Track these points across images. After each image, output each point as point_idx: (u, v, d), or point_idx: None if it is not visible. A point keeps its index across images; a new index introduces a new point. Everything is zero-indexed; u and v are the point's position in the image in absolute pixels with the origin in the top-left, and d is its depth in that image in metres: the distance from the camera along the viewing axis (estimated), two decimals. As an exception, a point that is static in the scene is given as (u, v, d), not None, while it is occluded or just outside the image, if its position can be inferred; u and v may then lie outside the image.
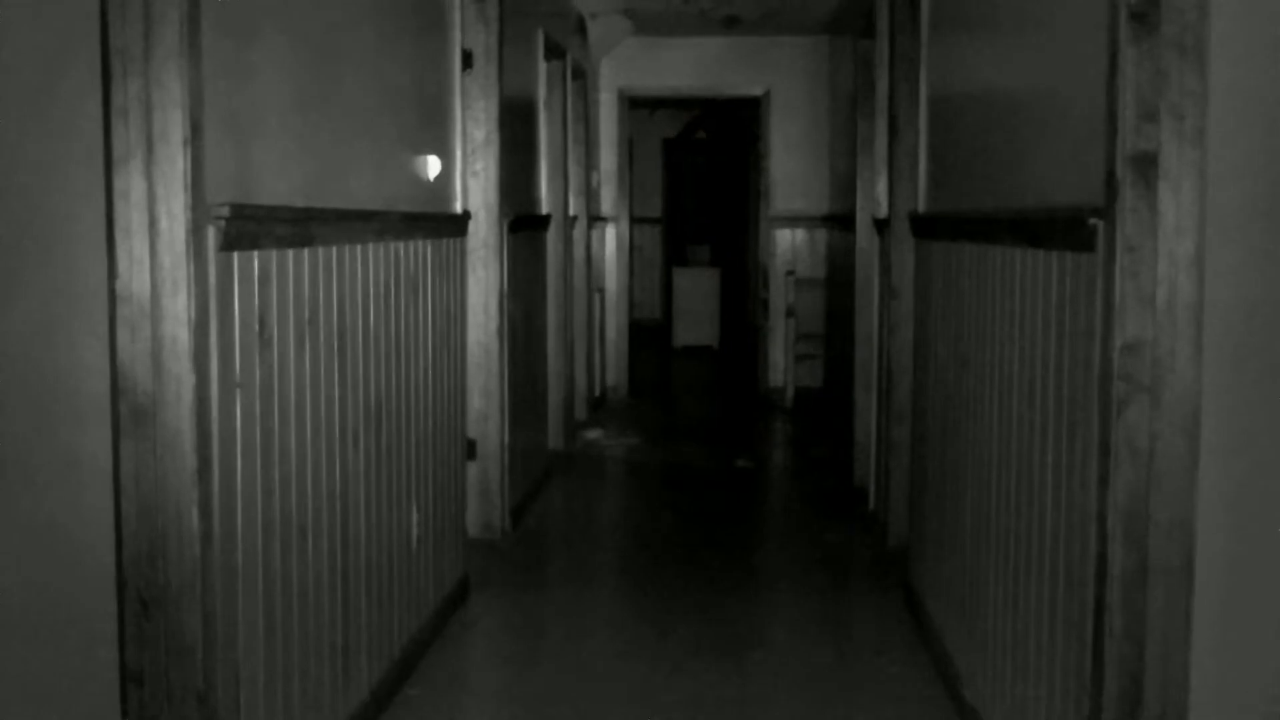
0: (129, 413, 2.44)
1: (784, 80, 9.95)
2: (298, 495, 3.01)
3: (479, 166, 5.50)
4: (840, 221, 8.19)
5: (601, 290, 9.75)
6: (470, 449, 5.46)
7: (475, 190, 5.48)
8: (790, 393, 9.68)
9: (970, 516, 3.63)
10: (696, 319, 13.59)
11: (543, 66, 6.95)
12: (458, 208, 4.78)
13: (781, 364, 9.92)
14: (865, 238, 6.58)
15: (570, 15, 8.21)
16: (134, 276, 2.41)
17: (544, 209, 7.09)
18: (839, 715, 3.85)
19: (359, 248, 3.43)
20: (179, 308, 2.42)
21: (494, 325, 5.59)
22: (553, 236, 7.35)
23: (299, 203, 3.04)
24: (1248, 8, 2.32)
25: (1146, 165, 2.30)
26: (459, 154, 4.82)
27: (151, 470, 2.45)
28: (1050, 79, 2.95)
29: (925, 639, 4.29)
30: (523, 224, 6.13)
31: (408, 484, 4.02)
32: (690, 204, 16.39)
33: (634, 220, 13.66)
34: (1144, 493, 2.35)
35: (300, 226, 2.97)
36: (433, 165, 4.39)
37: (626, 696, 3.96)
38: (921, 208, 4.72)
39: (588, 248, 8.80)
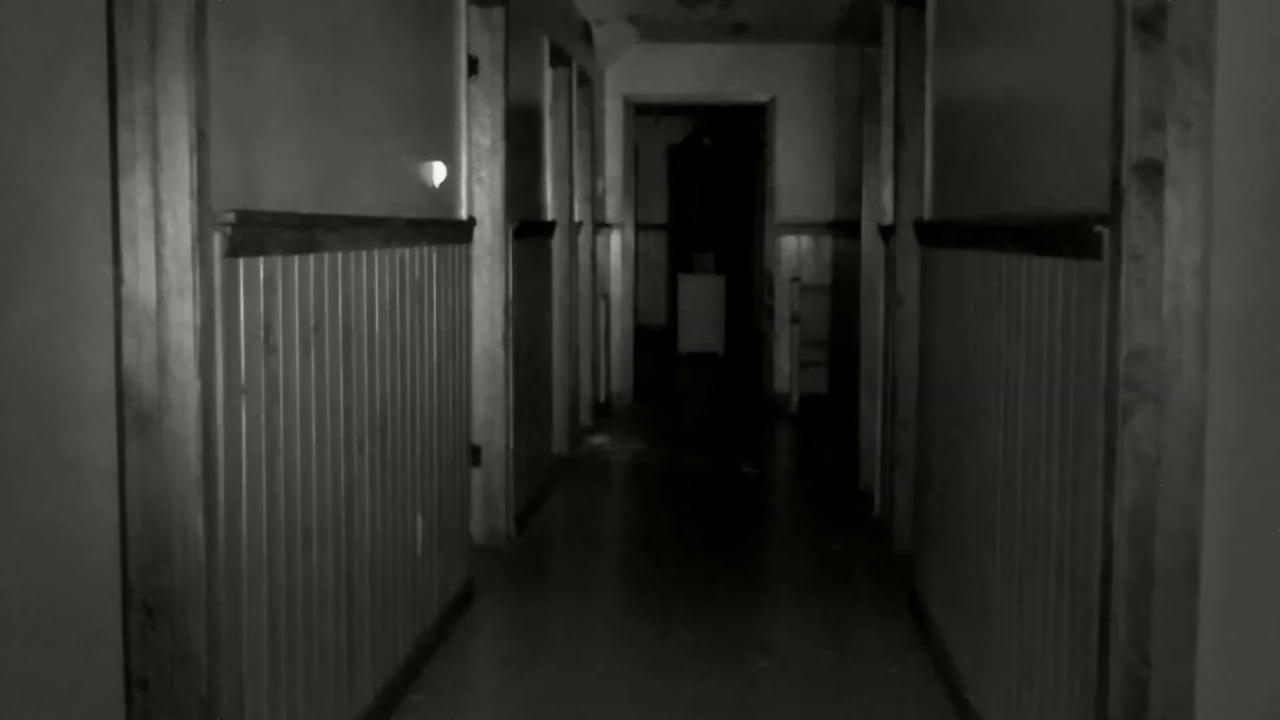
0: (134, 418, 2.44)
1: (789, 87, 9.96)
2: (302, 501, 3.01)
3: (484, 173, 5.50)
4: (845, 228, 8.19)
5: (606, 296, 9.76)
6: (475, 455, 5.46)
7: (480, 196, 5.49)
8: (795, 399, 9.68)
9: (975, 522, 3.63)
10: (701, 325, 13.60)
11: (548, 73, 6.96)
12: (463, 214, 4.79)
13: (786, 370, 9.92)
14: (870, 245, 6.58)
15: (576, 22, 8.22)
16: (140, 282, 2.42)
17: (549, 215, 7.09)
18: (842, 718, 3.86)
19: (364, 254, 3.44)
20: (184, 314, 2.42)
21: (499, 331, 5.59)
22: (558, 243, 7.36)
23: (305, 209, 3.04)
24: (1254, 15, 2.32)
25: (1152, 172, 2.30)
26: (464, 160, 4.83)
27: (156, 476, 2.45)
28: (1056, 86, 2.95)
29: (929, 643, 4.28)
30: (528, 230, 6.14)
31: (412, 490, 4.02)
32: (695, 210, 16.39)
33: (639, 227, 13.65)
34: (1150, 499, 2.34)
35: (305, 232, 2.98)
36: (438, 171, 4.40)
37: (631, 700, 3.96)
38: (927, 215, 4.71)
39: (593, 254, 8.81)
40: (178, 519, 2.46)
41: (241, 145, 2.67)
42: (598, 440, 8.38)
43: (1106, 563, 2.40)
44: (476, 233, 5.33)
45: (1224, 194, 2.31)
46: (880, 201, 6.27)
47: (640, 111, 11.83)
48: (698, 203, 16.41)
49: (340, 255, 3.23)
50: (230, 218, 2.52)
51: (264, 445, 2.77)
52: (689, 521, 6.50)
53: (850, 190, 7.82)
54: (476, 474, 5.51)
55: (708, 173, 16.33)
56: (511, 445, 5.70)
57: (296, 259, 2.93)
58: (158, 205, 2.40)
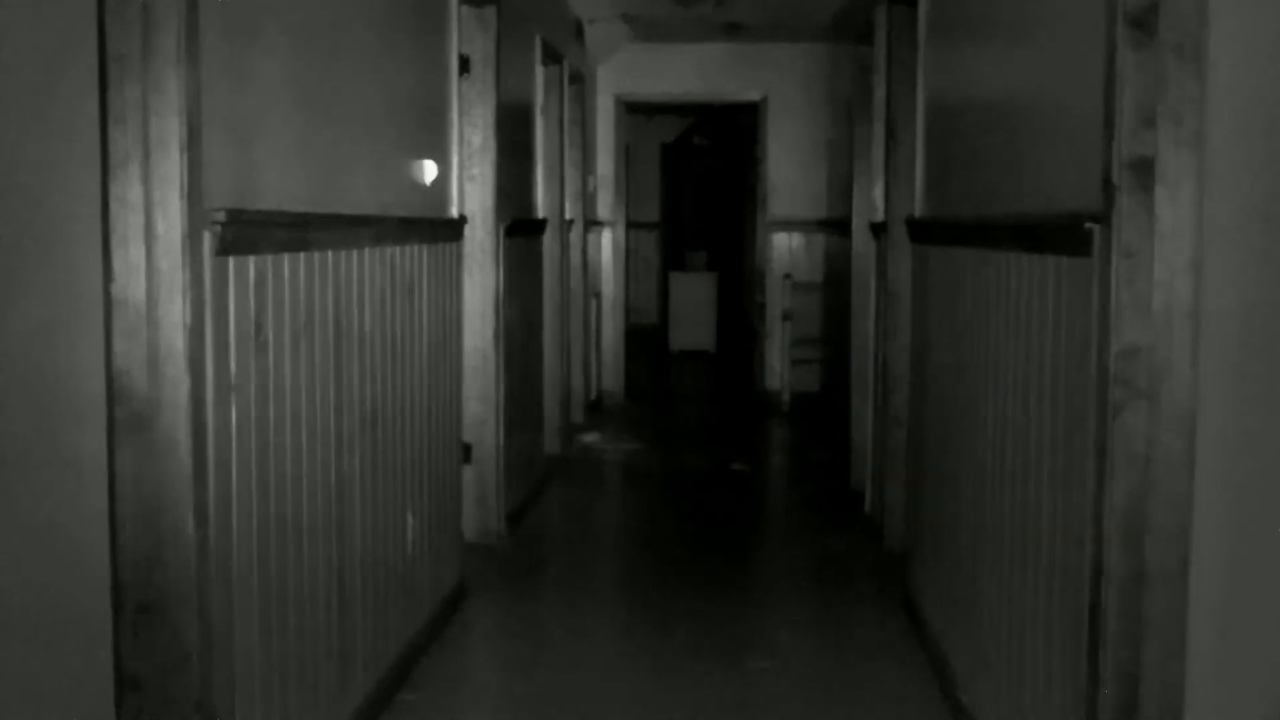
0: (125, 417, 2.43)
1: (782, 86, 9.96)
2: (294, 499, 3.01)
3: (476, 171, 5.50)
4: (837, 226, 8.20)
5: (598, 295, 9.76)
6: (466, 453, 5.45)
7: (472, 195, 5.48)
8: (787, 396, 9.68)
9: (967, 520, 3.63)
10: (694, 323, 13.60)
11: (540, 71, 6.95)
12: (454, 212, 4.78)
13: (778, 368, 9.92)
14: (862, 242, 6.59)
15: (568, 21, 8.21)
16: (131, 281, 2.41)
17: (541, 213, 7.09)
18: (836, 717, 3.85)
19: (355, 252, 3.43)
20: (175, 313, 2.42)
21: (490, 330, 5.58)
22: (549, 241, 7.35)
23: (297, 207, 3.04)
24: (1246, 13, 2.32)
25: (1144, 170, 2.30)
26: (456, 158, 4.82)
27: (148, 475, 2.44)
28: (1048, 84, 2.95)
29: (922, 642, 4.29)
30: (519, 228, 6.13)
31: (404, 488, 4.02)
32: (688, 209, 16.39)
33: (631, 225, 13.67)
34: (1141, 497, 2.35)
35: (297, 231, 2.97)
36: (430, 170, 4.39)
37: (626, 699, 3.96)
38: (919, 212, 4.72)
39: (584, 252, 8.81)
40: (169, 518, 2.45)
41: (234, 144, 2.67)
42: (589, 438, 8.38)
43: (1097, 561, 2.40)
44: (468, 231, 5.32)
45: (1220, 192, 2.32)
46: (872, 199, 6.28)
47: (633, 110, 11.84)
48: (690, 201, 16.41)
49: (331, 254, 3.23)
50: (221, 216, 2.51)
51: (255, 443, 2.76)
52: (681, 520, 6.50)
53: (842, 188, 7.83)
54: (468, 472, 5.50)
55: (700, 171, 16.33)
56: (503, 443, 5.69)
57: (287, 257, 2.93)
58: (149, 204, 2.40)
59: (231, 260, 2.62)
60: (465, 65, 5.32)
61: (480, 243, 5.52)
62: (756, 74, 9.94)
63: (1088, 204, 2.48)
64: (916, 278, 4.73)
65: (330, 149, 3.33)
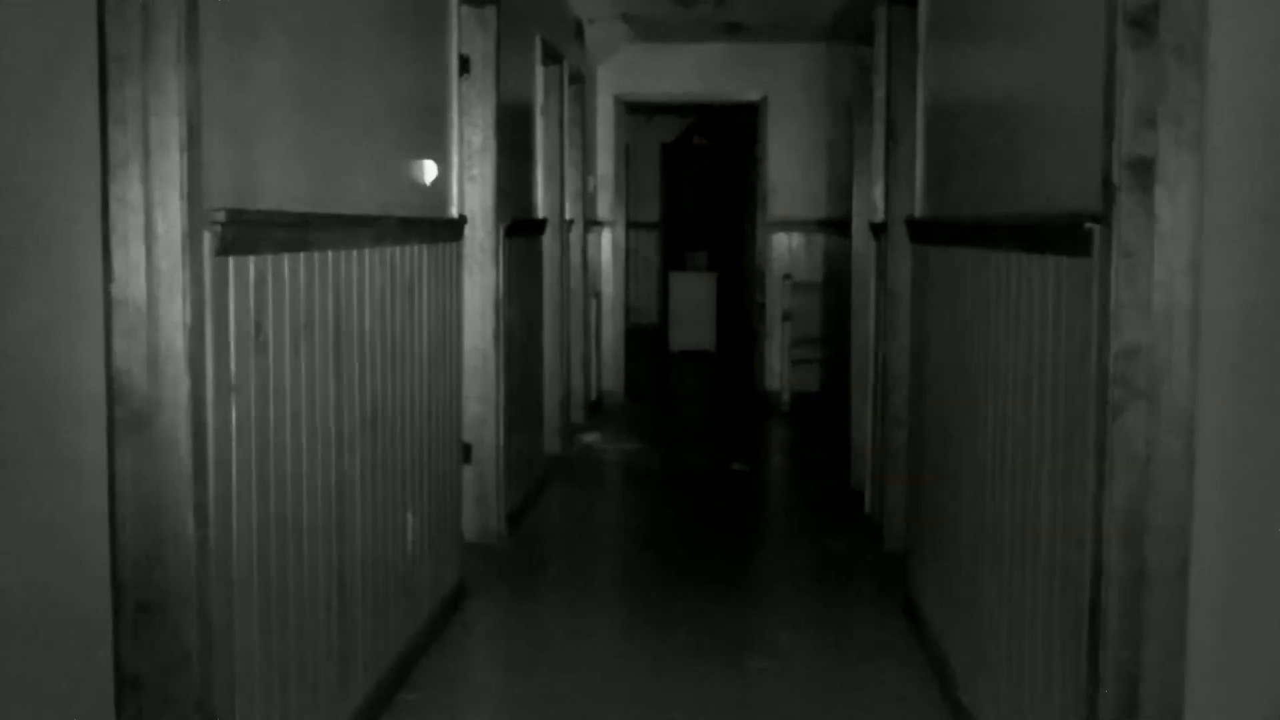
0: (125, 417, 2.43)
1: (782, 86, 9.96)
2: (294, 499, 3.01)
3: (476, 171, 5.50)
4: (837, 226, 8.19)
5: (598, 295, 9.75)
6: (466, 453, 5.45)
7: (472, 195, 5.48)
8: (787, 397, 9.68)
9: (967, 520, 3.63)
10: (694, 323, 13.60)
11: (540, 71, 6.95)
12: (454, 212, 4.78)
13: (778, 368, 9.91)
14: (862, 242, 6.59)
15: (568, 21, 8.21)
16: (131, 281, 2.41)
17: (541, 213, 7.09)
18: (836, 717, 3.85)
19: (355, 252, 3.43)
20: (175, 312, 2.42)
21: (490, 330, 5.58)
22: (549, 241, 7.35)
23: (297, 207, 3.04)
24: (1246, 13, 2.32)
25: (1144, 170, 2.30)
26: (456, 159, 4.82)
27: (148, 475, 2.44)
28: (1048, 84, 2.95)
29: (922, 642, 4.29)
30: (519, 228, 6.13)
31: (404, 488, 4.02)
32: (688, 209, 16.39)
33: (631, 225, 13.67)
34: (1140, 497, 2.35)
35: (297, 231, 2.97)
36: (430, 170, 4.39)
37: (626, 699, 3.96)
38: (918, 212, 4.72)
39: (584, 252, 8.81)
40: (169, 517, 2.45)
41: (234, 143, 2.67)
42: (589, 438, 8.37)
43: (1097, 561, 2.40)
44: (468, 231, 5.32)
45: (1220, 192, 2.32)
46: (872, 199, 6.28)
47: (633, 110, 11.84)
48: (690, 201, 16.41)
49: (331, 254, 3.23)
50: (221, 216, 2.51)
51: (255, 443, 2.76)
52: (681, 520, 6.50)
53: (842, 188, 7.83)
54: (468, 472, 5.50)
55: (700, 171, 16.33)
56: (503, 443, 5.69)
57: (287, 257, 2.93)
58: (149, 204, 2.40)
59: (231, 260, 2.62)
60: (465, 65, 5.32)
61: (480, 243, 5.52)
62: (756, 74, 9.94)
63: (1088, 204, 2.48)
64: (916, 278, 4.73)
65: (330, 149, 3.33)
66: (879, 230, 5.90)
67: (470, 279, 5.49)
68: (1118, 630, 2.37)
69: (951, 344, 3.92)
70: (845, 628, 4.75)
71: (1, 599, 2.64)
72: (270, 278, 2.83)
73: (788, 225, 9.99)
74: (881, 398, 5.74)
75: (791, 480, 7.62)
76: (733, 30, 9.14)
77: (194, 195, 2.43)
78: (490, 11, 5.47)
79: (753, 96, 10.13)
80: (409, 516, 4.06)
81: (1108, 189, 2.35)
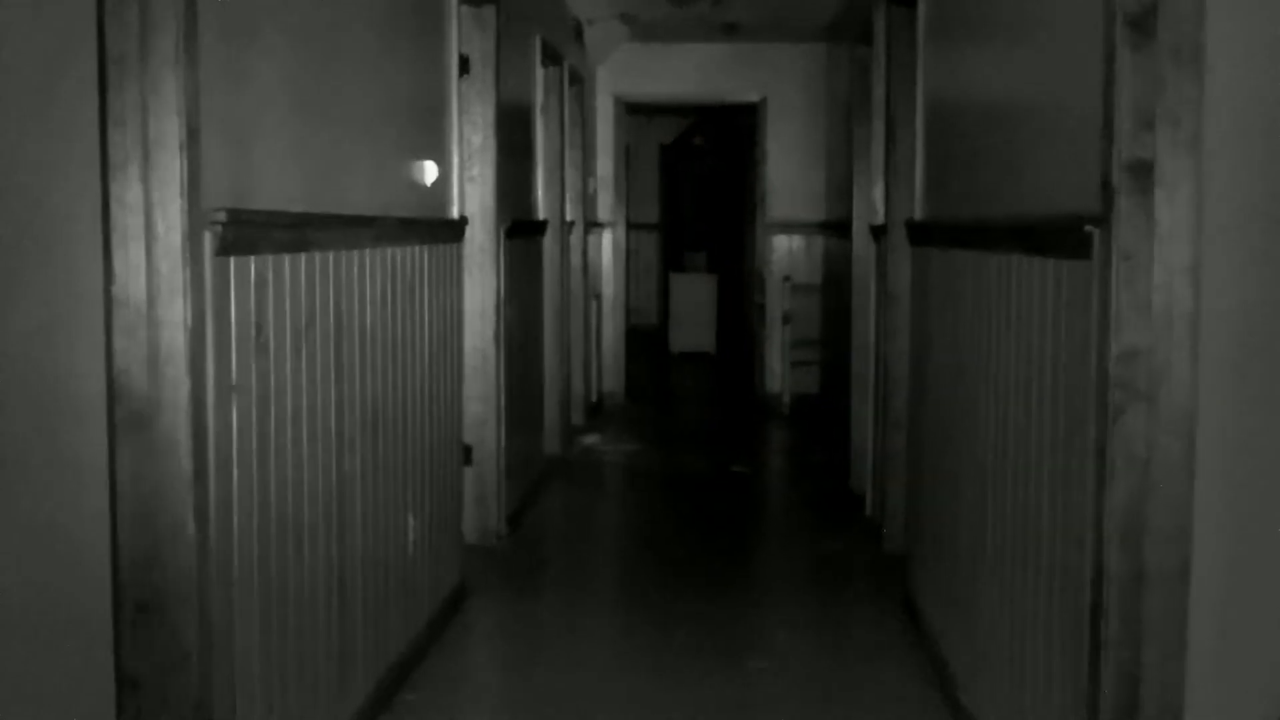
0: (125, 417, 2.44)
1: (781, 86, 9.96)
2: (294, 500, 3.01)
3: (476, 172, 5.50)
4: (837, 228, 8.19)
5: (599, 296, 9.76)
6: (467, 454, 5.45)
7: (472, 195, 5.48)
8: (787, 399, 9.68)
9: (967, 522, 3.63)
10: (694, 325, 13.60)
11: (540, 72, 6.96)
12: (454, 213, 4.78)
13: (778, 370, 9.92)
14: (862, 244, 6.59)
15: (568, 21, 8.22)
16: (131, 282, 2.41)
17: (541, 214, 7.09)
18: (836, 717, 3.86)
19: (356, 253, 3.43)
20: (176, 313, 2.42)
21: (491, 331, 5.58)
22: (549, 242, 7.36)
23: (296, 207, 3.04)
24: (1245, 15, 2.32)
25: (1143, 173, 2.30)
26: (456, 159, 4.82)
27: (148, 475, 2.45)
28: (1047, 86, 2.95)
29: (922, 643, 4.29)
30: (519, 229, 6.13)
31: (404, 489, 4.02)
32: (688, 210, 16.39)
33: (631, 226, 13.67)
34: (1140, 499, 2.35)
35: (297, 231, 2.98)
36: (430, 170, 4.39)
37: (626, 699, 3.96)
38: (918, 214, 4.72)
39: (584, 253, 8.81)
40: (169, 518, 2.45)
41: (233, 144, 2.67)
42: (590, 440, 8.38)
43: (1098, 562, 2.40)
44: (468, 232, 5.33)
45: (1219, 194, 2.32)
46: (871, 201, 6.29)
47: (632, 111, 11.83)
48: (690, 202, 16.41)
49: (332, 254, 3.23)
50: (221, 216, 2.51)
51: (255, 444, 2.76)
52: (681, 521, 6.50)
53: (842, 190, 7.83)
54: (468, 473, 5.50)
55: (700, 172, 16.33)
56: (503, 444, 5.69)
57: (287, 258, 2.93)
58: (149, 205, 2.40)
59: (232, 260, 2.62)
60: (465, 65, 5.32)
61: (480, 244, 5.52)
62: (755, 74, 9.94)
63: (1087, 206, 2.48)
64: (916, 280, 4.73)
65: (330, 149, 3.33)
66: (879, 232, 5.90)
67: (471, 280, 5.49)
68: (1118, 631, 2.37)
69: (951, 346, 3.92)
70: (845, 628, 4.75)
71: (1, 599, 2.64)
72: (271, 278, 2.83)
73: (787, 227, 9.99)
74: (881, 400, 5.74)
75: (791, 482, 7.62)
76: (732, 31, 9.14)
77: (194, 196, 2.43)
78: (490, 11, 5.47)
79: (752, 97, 10.13)
80: (409, 517, 4.06)
81: (1107, 191, 2.35)
